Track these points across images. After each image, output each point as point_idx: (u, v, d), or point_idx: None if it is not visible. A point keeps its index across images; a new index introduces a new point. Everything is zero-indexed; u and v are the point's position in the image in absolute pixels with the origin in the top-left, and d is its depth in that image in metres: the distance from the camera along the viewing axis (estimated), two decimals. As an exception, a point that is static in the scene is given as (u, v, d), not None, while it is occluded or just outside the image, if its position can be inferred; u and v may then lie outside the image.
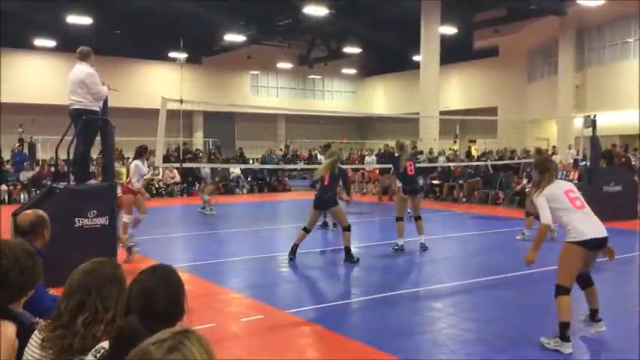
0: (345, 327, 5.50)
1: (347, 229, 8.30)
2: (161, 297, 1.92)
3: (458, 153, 22.79)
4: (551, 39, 24.10)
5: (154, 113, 10.11)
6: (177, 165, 13.68)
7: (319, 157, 22.34)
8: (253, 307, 6.16)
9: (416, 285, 7.21)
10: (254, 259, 8.93)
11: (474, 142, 28.32)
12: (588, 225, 4.70)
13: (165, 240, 10.80)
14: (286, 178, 22.14)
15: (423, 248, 9.08)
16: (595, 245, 4.69)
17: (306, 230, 8.43)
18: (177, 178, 18.57)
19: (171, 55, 27.22)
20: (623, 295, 6.91)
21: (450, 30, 22.50)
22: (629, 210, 12.43)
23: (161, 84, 26.61)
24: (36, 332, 2.07)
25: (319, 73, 33.72)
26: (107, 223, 7.25)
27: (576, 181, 14.11)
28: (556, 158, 17.06)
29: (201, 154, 22.23)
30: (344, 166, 9.77)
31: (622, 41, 22.12)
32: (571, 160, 17.90)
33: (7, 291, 2.17)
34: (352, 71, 35.01)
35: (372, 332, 5.34)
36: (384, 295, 6.54)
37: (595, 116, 12.53)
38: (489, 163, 17.63)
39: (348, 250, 8.27)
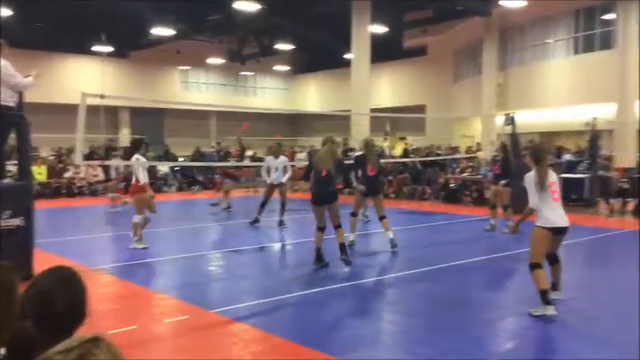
0: (272, 325, 5.47)
1: (339, 226, 7.78)
2: (59, 299, 1.81)
3: (391, 150, 23.21)
4: (476, 39, 24.93)
5: (74, 109, 9.73)
6: (99, 163, 13.21)
7: (247, 154, 22.13)
8: (178, 307, 6.03)
9: (345, 280, 7.27)
10: (181, 258, 8.74)
11: (404, 138, 28.96)
12: (556, 215, 5.55)
13: (88, 241, 10.40)
14: (217, 176, 21.78)
15: (393, 244, 8.85)
16: (557, 232, 5.58)
17: (321, 229, 7.70)
18: (101, 176, 17.94)
19: (95, 48, 26.18)
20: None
21: (380, 29, 22.84)
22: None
23: (83, 79, 25.60)
24: None
25: (251, 69, 33.42)
26: (23, 224, 6.91)
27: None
28: (480, 154, 17.68)
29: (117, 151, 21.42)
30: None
31: (542, 42, 23.18)
32: (489, 156, 18.58)
33: None
34: (285, 68, 34.94)
35: (298, 329, 5.34)
36: (312, 291, 6.57)
37: (514, 114, 13.07)
38: (417, 159, 18.05)
39: (342, 246, 7.75)
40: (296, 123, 35.91)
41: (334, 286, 6.85)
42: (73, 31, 23.82)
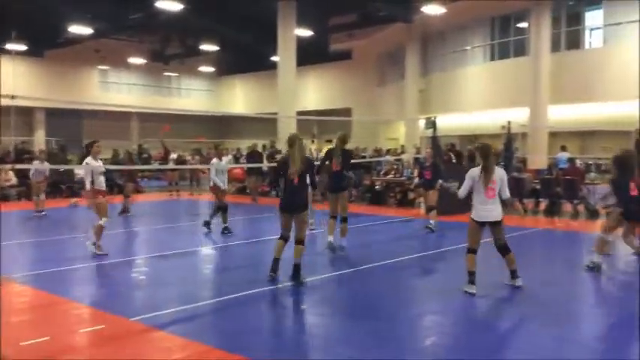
0: (194, 331, 5.33)
1: (302, 242, 7.04)
2: None
3: (318, 152, 23.27)
4: (400, 45, 25.56)
5: None
6: (9, 166, 12.48)
7: (172, 156, 21.62)
8: (94, 316, 5.76)
9: (270, 284, 7.20)
10: (98, 265, 8.38)
11: (331, 141, 29.26)
12: (484, 209, 6.36)
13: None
14: (138, 180, 21.14)
15: (340, 248, 9.00)
16: (483, 224, 6.41)
17: (284, 239, 7.10)
18: (14, 180, 16.95)
19: (6, 47, 24.75)
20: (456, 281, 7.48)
21: (306, 32, 22.95)
22: (466, 204, 13.50)
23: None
24: None
25: (175, 70, 32.72)
26: None
27: (417, 179, 15.12)
28: (404, 157, 18.08)
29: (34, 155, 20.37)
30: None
31: (461, 49, 24.07)
32: (411, 159, 19.06)
33: None
34: (210, 69, 34.41)
35: (222, 335, 5.24)
36: (235, 295, 6.46)
37: (435, 118, 13.47)
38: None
39: (297, 268, 6.97)
40: (222, 125, 35.48)
41: (258, 289, 6.77)
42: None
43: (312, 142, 24.07)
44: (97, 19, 23.09)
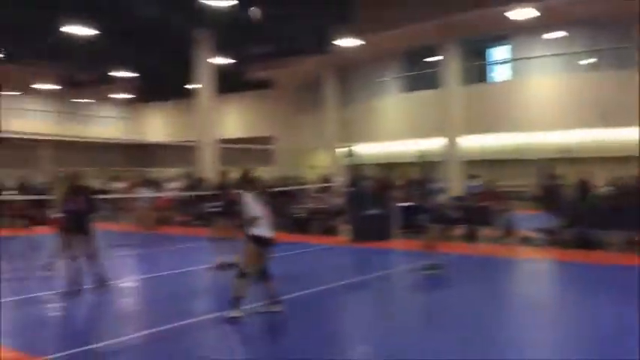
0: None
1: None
2: None
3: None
4: (317, 75, 26.07)
5: None
6: None
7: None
8: (7, 355, 5.38)
9: (191, 316, 7.03)
10: (8, 302, 7.85)
11: (253, 169, 29.22)
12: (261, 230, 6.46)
13: None
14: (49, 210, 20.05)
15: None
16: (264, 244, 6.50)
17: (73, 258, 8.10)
18: None
19: None
20: (382, 307, 7.61)
21: (224, 60, 22.90)
22: (386, 231, 13.84)
23: None
24: None
25: (88, 96, 31.57)
26: None
27: (343, 206, 15.34)
28: (333, 184, 18.25)
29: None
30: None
31: (376, 80, 24.90)
32: (338, 186, 19.36)
33: None
34: (126, 96, 33.49)
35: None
36: (157, 329, 6.24)
37: (351, 147, 13.80)
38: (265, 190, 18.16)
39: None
40: (140, 153, 34.51)
41: (183, 322, 6.58)
42: None
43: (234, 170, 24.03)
44: (2, 44, 21.91)
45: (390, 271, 10.44)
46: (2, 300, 7.83)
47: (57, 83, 28.66)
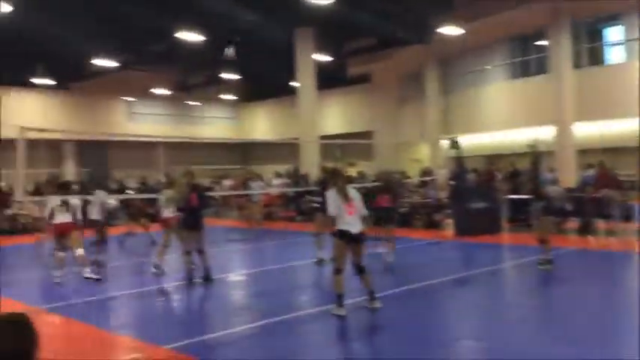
0: (226, 358, 5.35)
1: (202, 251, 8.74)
2: (8, 345, 1.76)
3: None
4: (418, 66, 25.64)
5: (10, 144, 9.50)
6: (40, 198, 12.73)
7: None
8: (130, 345, 5.82)
9: (300, 309, 7.20)
10: (129, 294, 8.48)
11: (354, 164, 29.33)
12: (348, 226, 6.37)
13: (32, 280, 9.96)
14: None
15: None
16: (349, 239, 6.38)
17: (189, 253, 8.72)
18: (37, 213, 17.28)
19: (34, 80, 25.47)
20: (494, 305, 7.38)
21: (325, 57, 23.20)
22: (494, 225, 13.39)
23: (24, 112, 24.83)
24: None
25: (198, 99, 33.23)
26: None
27: (447, 199, 15.03)
28: (435, 177, 17.96)
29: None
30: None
31: (481, 68, 24.06)
32: (442, 180, 18.97)
33: None
34: (232, 97, 34.88)
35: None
36: (266, 322, 6.47)
37: (457, 138, 13.44)
38: (367, 185, 18.21)
39: (207, 269, 8.77)
40: (245, 151, 35.82)
41: (289, 315, 6.77)
42: (10, 63, 23.12)
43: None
44: (121, 52, 23.62)
45: (498, 266, 10.10)
46: (122, 293, 8.47)
47: (171, 87, 30.43)
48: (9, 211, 16.30)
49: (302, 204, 19.08)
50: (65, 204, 8.78)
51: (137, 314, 7.41)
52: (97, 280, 9.01)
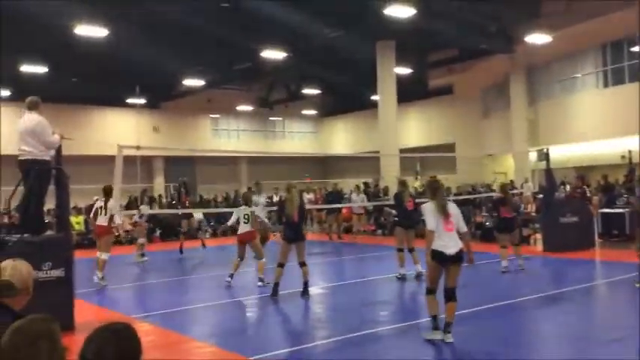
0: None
1: (305, 264, 8.78)
2: (115, 355, 1.86)
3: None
4: (503, 76, 24.94)
5: (110, 160, 10.14)
6: (135, 212, 13.43)
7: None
8: (216, 355, 5.99)
9: (382, 324, 7.15)
10: (217, 305, 8.74)
11: (435, 177, 28.86)
12: (444, 244, 5.85)
13: (123, 289, 10.50)
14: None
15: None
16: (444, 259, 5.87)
17: (282, 265, 8.65)
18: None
19: (129, 100, 27.05)
20: (585, 325, 7.00)
21: (405, 70, 23.09)
22: (585, 240, 12.72)
23: (118, 130, 26.36)
24: None
25: (279, 114, 33.98)
26: (63, 275, 7.02)
27: (534, 213, 14.46)
28: (525, 191, 17.41)
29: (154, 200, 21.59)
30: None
31: (570, 76, 23.05)
32: (529, 193, 18.31)
33: None
34: (312, 112, 35.40)
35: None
36: (351, 335, 6.46)
37: (547, 149, 12.92)
38: (451, 198, 17.88)
39: (306, 284, 8.76)
40: (325, 165, 36.15)
41: (369, 331, 6.73)
42: (108, 85, 24.68)
43: (416, 179, 23.93)
44: (208, 71, 24.66)
45: (592, 283, 9.57)
46: (206, 304, 8.74)
47: (254, 104, 31.35)
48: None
49: (381, 218, 18.99)
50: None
51: (221, 324, 7.61)
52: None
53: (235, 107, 31.50)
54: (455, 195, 18.61)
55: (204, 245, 15.77)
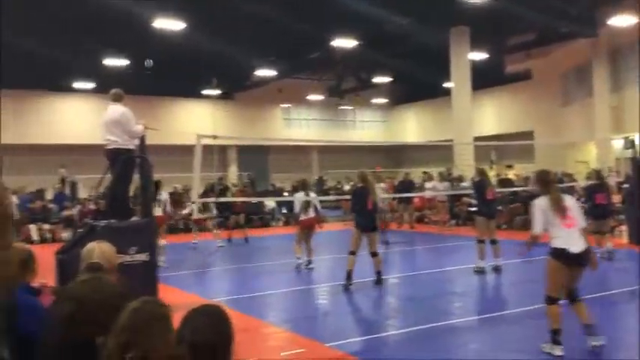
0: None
1: (377, 253, 8.76)
2: (210, 336, 1.92)
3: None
4: (585, 61, 23.76)
5: (187, 150, 10.47)
6: (212, 199, 13.79)
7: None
8: (293, 340, 6.08)
9: (458, 316, 7.02)
10: (291, 291, 8.87)
11: (511, 167, 27.94)
12: (566, 241, 5.15)
13: (202, 274, 10.84)
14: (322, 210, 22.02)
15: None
16: (569, 259, 5.13)
17: (354, 253, 8.59)
18: (214, 212, 18.65)
19: (204, 92, 27.81)
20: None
21: (480, 55, 22.43)
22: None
23: (195, 120, 27.16)
24: None
25: (350, 103, 33.91)
26: (148, 259, 7.31)
27: (619, 204, 13.75)
28: (609, 181, 16.56)
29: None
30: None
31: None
32: (613, 183, 17.38)
33: (95, 327, 2.22)
34: (383, 100, 35.10)
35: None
36: (427, 326, 6.38)
37: (634, 137, 12.23)
38: (529, 188, 17.28)
39: (379, 274, 8.72)
40: (395, 154, 35.83)
41: (444, 322, 6.62)
42: (183, 77, 25.45)
43: (491, 168, 23.27)
44: (279, 62, 24.95)
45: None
46: (281, 290, 8.87)
47: (324, 93, 31.46)
48: (184, 212, 17.85)
49: (455, 208, 18.61)
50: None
51: (295, 311, 7.72)
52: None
53: (306, 97, 31.71)
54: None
55: (246, 238, 15.78)
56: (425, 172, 20.01)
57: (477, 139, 23.51)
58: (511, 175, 23.30)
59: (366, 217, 8.66)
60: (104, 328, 2.20)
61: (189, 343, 1.91)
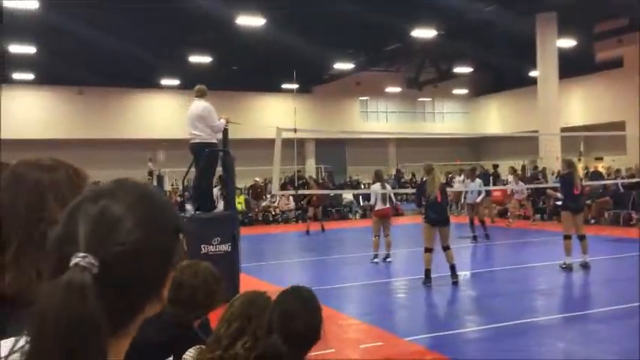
0: (466, 357, 5.29)
1: (449, 247, 8.49)
2: (301, 319, 1.98)
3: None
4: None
5: (266, 143, 10.68)
6: (292, 192, 14.04)
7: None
8: (371, 333, 6.11)
9: (540, 314, 6.79)
10: (370, 284, 8.90)
11: (601, 159, 26.54)
12: None
13: (281, 265, 11.08)
14: (399, 203, 21.90)
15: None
16: None
17: (430, 250, 8.43)
18: (292, 204, 19.02)
19: (284, 86, 28.23)
20: None
21: (568, 43, 21.39)
22: None
23: (274, 115, 27.64)
24: (190, 354, 2.18)
25: (429, 95, 33.32)
26: (229, 250, 7.58)
27: None
28: None
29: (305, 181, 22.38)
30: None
31: None
32: None
33: (192, 310, 2.35)
34: (463, 91, 34.23)
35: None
36: (509, 323, 6.23)
37: None
38: (619, 181, 16.39)
39: (453, 268, 8.43)
40: (477, 146, 34.92)
41: (528, 320, 6.43)
42: (265, 72, 25.96)
43: (579, 160, 22.22)
44: (357, 54, 24.90)
45: None
46: (361, 282, 8.91)
47: (403, 85, 31.12)
48: (263, 204, 18.32)
49: (540, 202, 17.93)
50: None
51: (373, 304, 7.73)
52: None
53: (384, 89, 31.49)
54: (627, 178, 17.01)
55: (323, 229, 15.98)
56: (512, 167, 19.28)
57: (563, 129, 22.50)
58: (600, 167, 22.18)
59: (434, 209, 8.42)
60: (201, 309, 2.36)
61: (279, 325, 1.96)
